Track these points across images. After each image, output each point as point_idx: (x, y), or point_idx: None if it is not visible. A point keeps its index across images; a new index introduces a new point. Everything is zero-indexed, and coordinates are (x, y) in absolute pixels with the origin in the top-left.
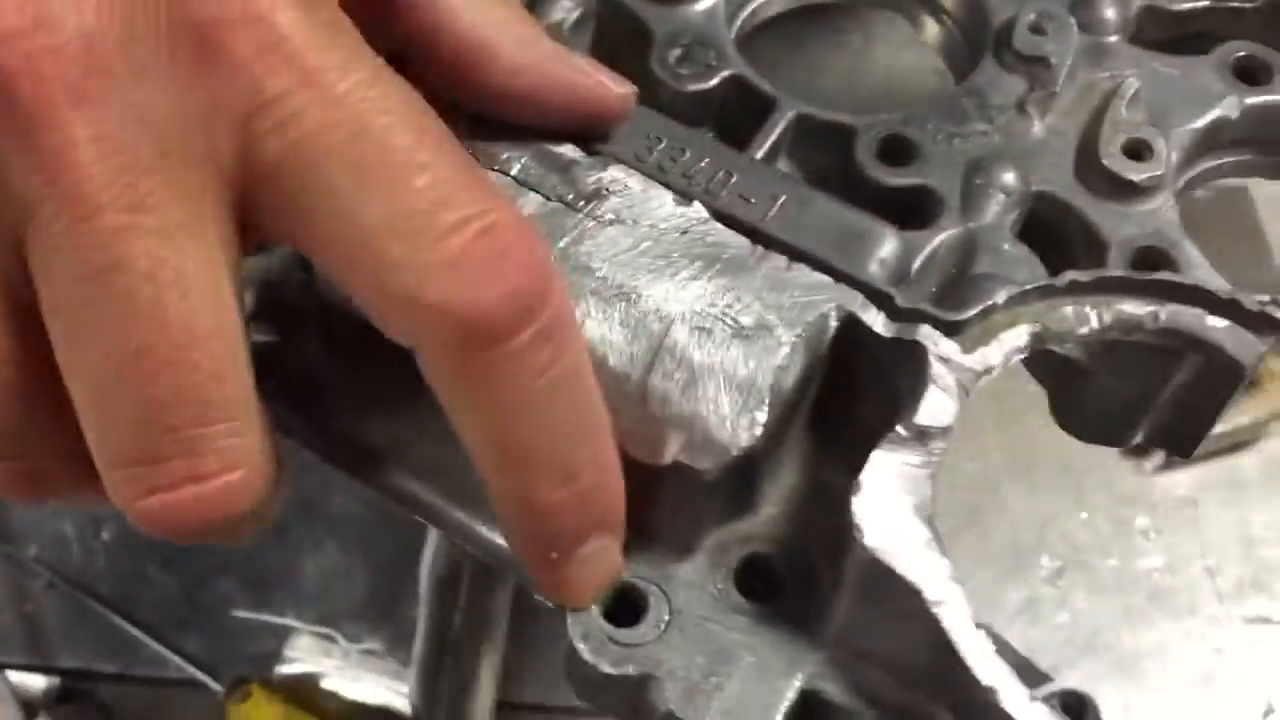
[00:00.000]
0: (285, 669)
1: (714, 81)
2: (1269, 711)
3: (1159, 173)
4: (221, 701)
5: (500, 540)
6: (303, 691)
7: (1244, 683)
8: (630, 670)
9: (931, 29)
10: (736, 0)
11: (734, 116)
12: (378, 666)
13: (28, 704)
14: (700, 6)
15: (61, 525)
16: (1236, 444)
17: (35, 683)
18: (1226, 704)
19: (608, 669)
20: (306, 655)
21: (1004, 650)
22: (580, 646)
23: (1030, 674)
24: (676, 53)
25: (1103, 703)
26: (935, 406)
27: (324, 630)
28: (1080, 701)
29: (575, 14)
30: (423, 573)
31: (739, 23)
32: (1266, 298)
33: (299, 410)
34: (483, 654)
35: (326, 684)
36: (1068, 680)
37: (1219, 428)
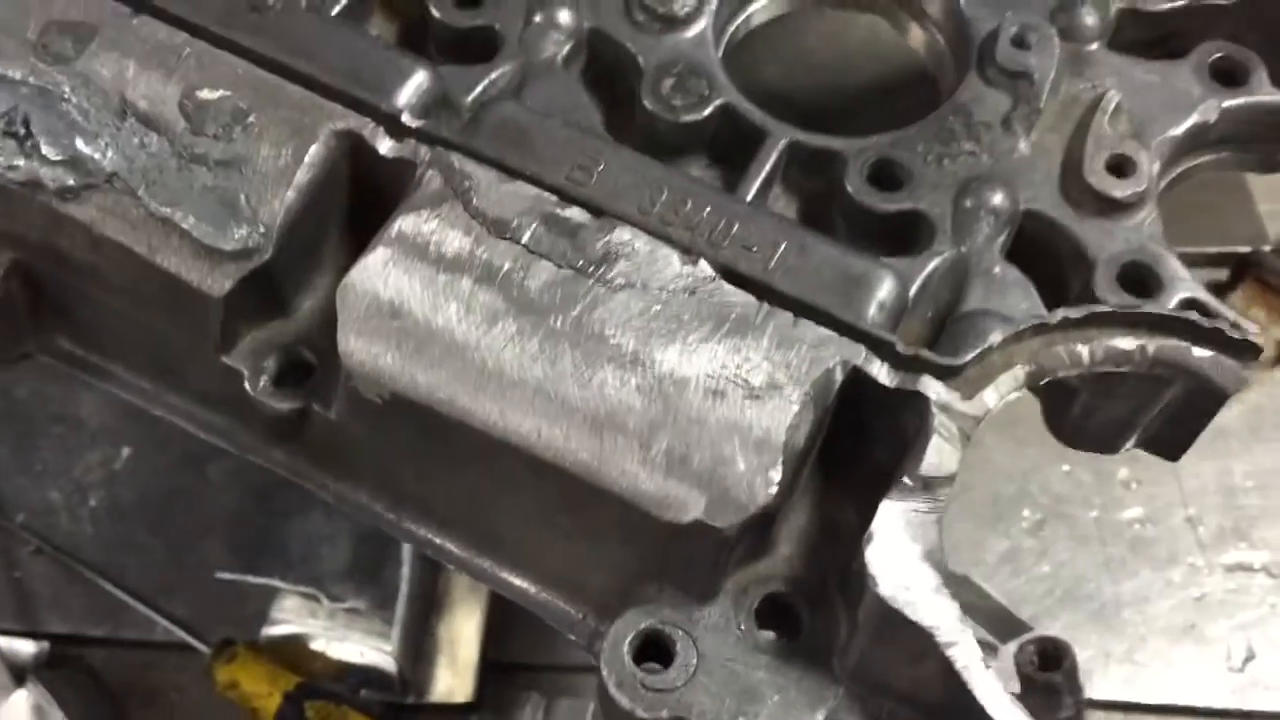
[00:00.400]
0: (272, 631)
1: (707, 111)
2: (1250, 657)
3: (1142, 188)
4: (209, 663)
5: (525, 584)
6: (289, 652)
7: (1225, 629)
8: (664, 714)
9: (916, 35)
10: (723, 19)
11: (727, 144)
12: (363, 625)
13: (17, 669)
14: (689, 34)
15: (49, 493)
16: None
17: (24, 648)
18: (1208, 650)
19: (642, 714)
20: (293, 616)
21: (985, 601)
22: (615, 693)
23: (1011, 624)
24: (669, 83)
25: (1084, 651)
26: (939, 457)
27: (308, 590)
28: (1057, 648)
29: (566, 48)
30: None
31: (725, 39)
32: (1248, 248)
33: (322, 468)
34: (467, 613)
35: (313, 646)
36: (1049, 631)
37: None
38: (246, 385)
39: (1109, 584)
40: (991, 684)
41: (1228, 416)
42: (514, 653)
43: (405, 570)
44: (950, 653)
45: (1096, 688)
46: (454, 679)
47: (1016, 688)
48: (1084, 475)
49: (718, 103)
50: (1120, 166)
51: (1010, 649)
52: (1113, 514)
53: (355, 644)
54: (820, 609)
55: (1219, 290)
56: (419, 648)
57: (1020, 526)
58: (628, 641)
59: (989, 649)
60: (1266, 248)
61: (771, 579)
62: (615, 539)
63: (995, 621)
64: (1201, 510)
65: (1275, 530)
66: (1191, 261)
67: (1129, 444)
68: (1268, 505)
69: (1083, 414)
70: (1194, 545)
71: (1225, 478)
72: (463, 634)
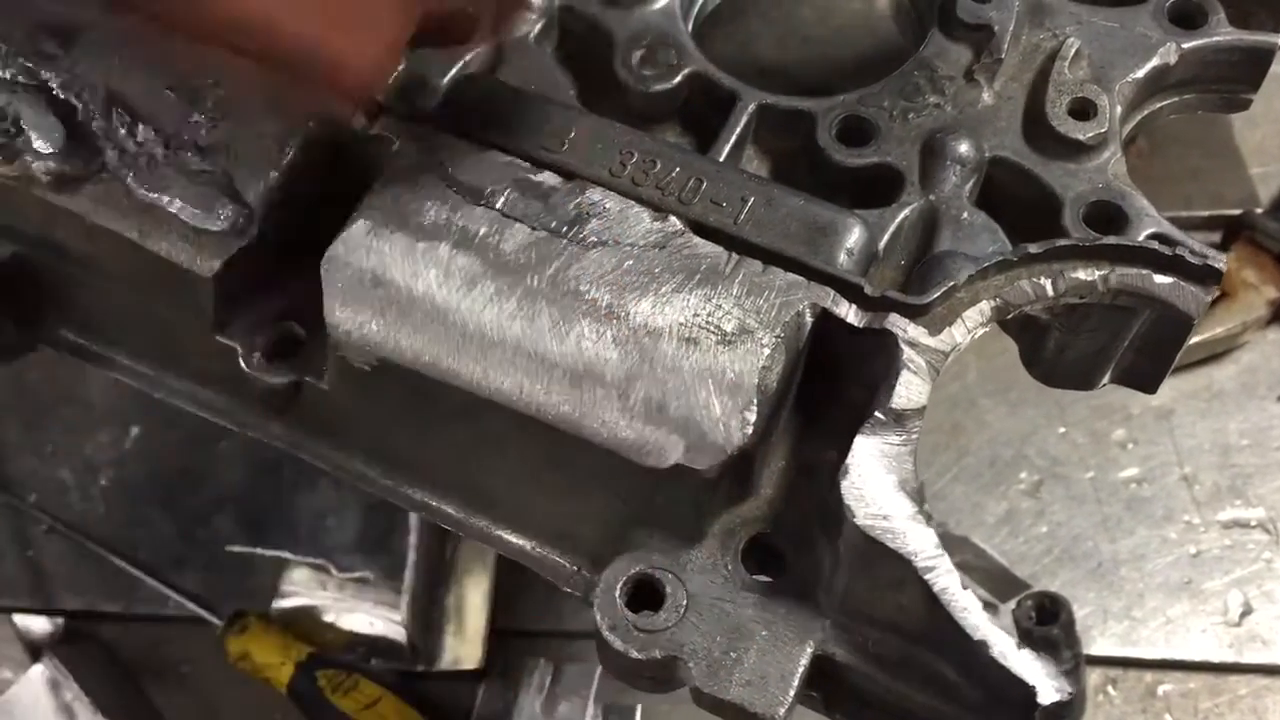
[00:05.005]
0: (282, 603)
1: (677, 80)
2: (1247, 612)
3: (1103, 130)
4: (220, 636)
5: (520, 541)
6: (300, 624)
7: (1222, 585)
8: (657, 654)
9: None
10: None
11: (699, 110)
12: (372, 595)
13: (33, 645)
14: (657, 5)
15: (60, 473)
16: (1212, 354)
17: (39, 625)
18: (1205, 606)
19: (636, 655)
20: (303, 588)
21: (984, 561)
22: (609, 636)
23: (1010, 583)
24: (639, 54)
25: (1082, 608)
26: (908, 390)
27: (318, 562)
28: (1054, 602)
29: (539, 24)
30: None
31: (696, 9)
32: (1239, 211)
33: (318, 439)
34: (475, 582)
35: (324, 617)
36: (1047, 589)
37: (1195, 338)
38: (240, 362)
39: (1106, 542)
40: (970, 603)
41: (1222, 376)
42: (522, 620)
43: (413, 540)
44: (929, 577)
45: (1095, 644)
46: (463, 647)
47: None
48: (1080, 437)
49: (687, 71)
50: (1082, 110)
51: (1009, 606)
52: (1109, 474)
53: (365, 614)
54: (804, 547)
55: None
56: (428, 617)
57: (1018, 488)
58: (619, 587)
59: (989, 608)
60: (1258, 210)
61: (755, 521)
62: (601, 488)
63: (995, 581)
64: (1197, 469)
65: (1270, 487)
66: (1184, 225)
67: (1104, 379)
68: (1263, 463)
69: (1056, 351)
70: (1190, 503)
71: (1220, 436)
72: (471, 602)
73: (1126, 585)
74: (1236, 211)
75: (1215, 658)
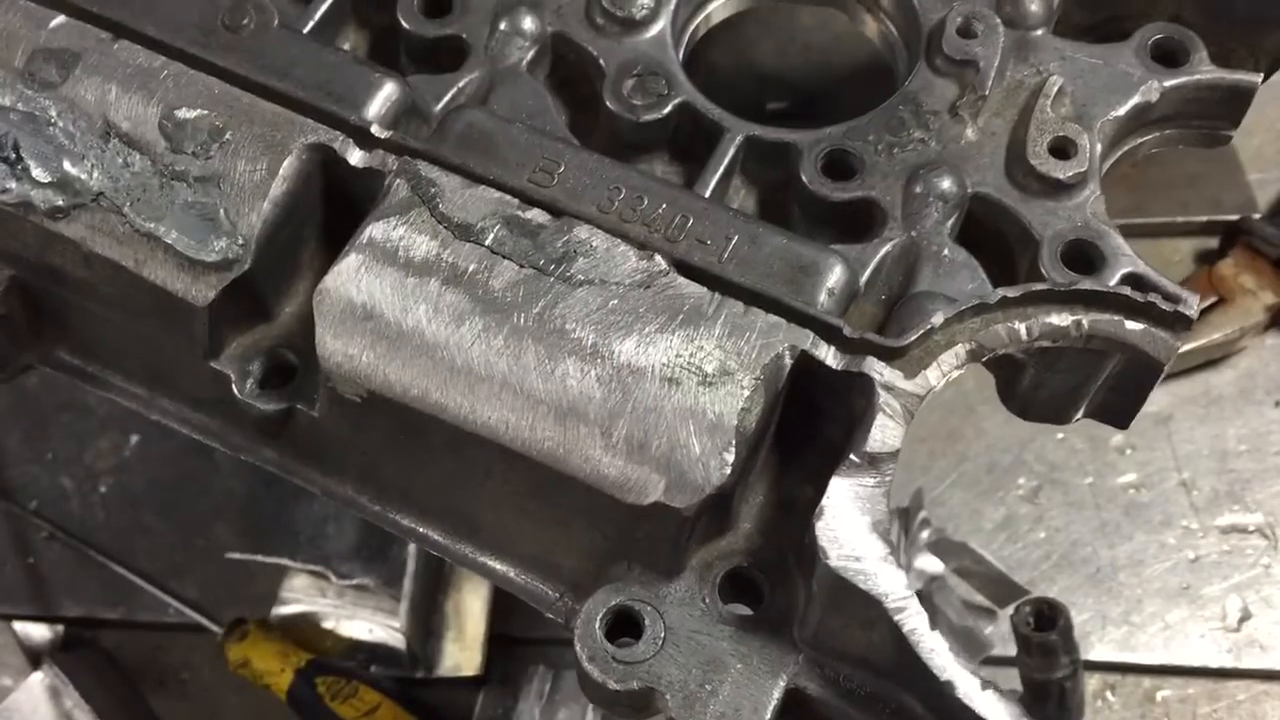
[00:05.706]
0: (282, 610)
1: (667, 110)
2: (1245, 617)
3: (1083, 169)
4: (221, 643)
5: (503, 567)
6: (300, 631)
7: (1220, 590)
8: (635, 685)
9: (871, 26)
10: (682, 19)
11: (687, 141)
12: (371, 602)
13: (33, 652)
14: (648, 35)
15: (60, 480)
16: (1210, 360)
17: (40, 632)
18: (1203, 611)
19: (614, 686)
20: (303, 595)
21: (983, 567)
22: (588, 667)
23: (1009, 589)
24: (630, 84)
25: (1080, 614)
26: (883, 434)
27: (317, 569)
28: (1052, 608)
29: (531, 53)
30: None
31: (685, 39)
32: (1237, 216)
33: (309, 464)
34: (474, 589)
35: (324, 623)
36: (1046, 594)
37: (1192, 344)
38: (234, 388)
39: (1104, 548)
40: (938, 644)
41: (1220, 381)
42: (520, 627)
43: (412, 547)
44: (898, 618)
45: (1094, 650)
46: (462, 653)
47: (1014, 649)
48: (1078, 443)
49: (676, 101)
50: (1062, 149)
51: (1008, 612)
52: (1107, 480)
53: (364, 621)
54: (780, 581)
55: (1209, 258)
56: (427, 623)
57: (1016, 494)
58: (599, 618)
59: (988, 614)
60: (1256, 215)
61: (733, 554)
62: (583, 522)
63: (993, 587)
64: (1195, 474)
65: (1269, 492)
66: (1182, 230)
67: (1079, 414)
68: (1261, 468)
69: (1032, 387)
70: (1188, 509)
71: (1218, 442)
72: (470, 609)
73: (1125, 591)
74: (1234, 217)
75: (1214, 663)
